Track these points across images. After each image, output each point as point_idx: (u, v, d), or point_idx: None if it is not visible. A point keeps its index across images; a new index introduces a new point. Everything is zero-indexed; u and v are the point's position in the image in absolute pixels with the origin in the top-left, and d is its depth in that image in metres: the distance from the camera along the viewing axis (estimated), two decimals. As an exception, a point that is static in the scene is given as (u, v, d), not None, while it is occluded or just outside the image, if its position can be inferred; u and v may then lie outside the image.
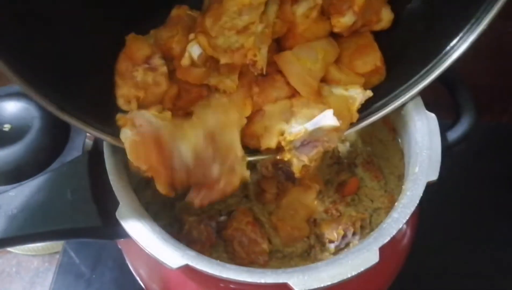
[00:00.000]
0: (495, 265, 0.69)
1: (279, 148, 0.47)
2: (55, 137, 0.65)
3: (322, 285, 0.39)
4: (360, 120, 0.49)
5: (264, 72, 0.46)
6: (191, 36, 0.45)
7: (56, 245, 0.74)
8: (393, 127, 0.56)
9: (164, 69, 0.46)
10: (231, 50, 0.44)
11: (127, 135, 0.43)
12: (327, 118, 0.44)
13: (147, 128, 0.43)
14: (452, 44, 0.45)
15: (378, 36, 0.49)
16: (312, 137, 0.45)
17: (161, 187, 0.44)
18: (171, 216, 0.56)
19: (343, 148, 0.62)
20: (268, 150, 0.48)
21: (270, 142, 0.46)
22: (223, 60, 0.44)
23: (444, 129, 0.49)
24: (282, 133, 0.46)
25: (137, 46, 0.45)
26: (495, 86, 0.81)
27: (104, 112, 0.45)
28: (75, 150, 0.67)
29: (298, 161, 0.46)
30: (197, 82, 0.46)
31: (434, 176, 0.44)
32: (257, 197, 0.58)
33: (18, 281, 0.74)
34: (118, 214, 0.43)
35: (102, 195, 0.45)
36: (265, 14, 0.44)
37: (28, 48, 0.40)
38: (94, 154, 0.47)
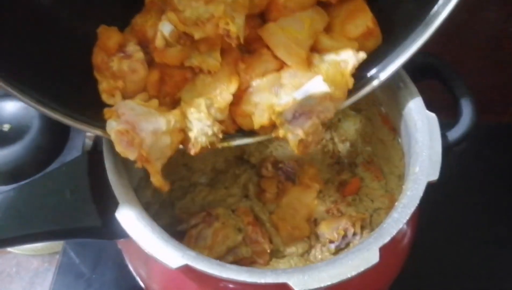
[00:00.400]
0: (495, 265, 0.69)
1: (274, 126, 0.45)
2: (55, 137, 0.65)
3: (322, 285, 0.39)
4: (358, 89, 0.47)
5: (242, 42, 0.44)
6: (163, 16, 0.44)
7: (56, 245, 0.74)
8: (393, 127, 0.56)
9: (140, 55, 0.45)
10: (202, 21, 0.42)
11: (112, 126, 0.42)
12: (317, 85, 0.42)
13: (130, 115, 0.42)
14: None
15: (371, 1, 0.47)
16: (305, 107, 0.43)
17: (154, 179, 0.43)
18: (171, 216, 0.56)
19: (343, 147, 0.62)
20: (264, 129, 0.46)
21: (262, 119, 0.45)
22: (197, 35, 0.43)
23: (444, 129, 0.49)
24: (272, 108, 0.44)
25: (108, 36, 0.45)
26: (495, 86, 0.81)
27: (95, 106, 0.44)
28: (75, 150, 0.67)
29: (293, 136, 0.44)
30: (175, 63, 0.45)
31: (434, 176, 0.44)
32: (257, 197, 0.58)
33: (18, 281, 0.74)
34: (118, 214, 0.43)
35: (102, 195, 0.45)
36: None
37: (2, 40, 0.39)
38: (94, 154, 0.47)
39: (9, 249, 0.75)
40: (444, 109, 0.50)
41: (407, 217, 0.42)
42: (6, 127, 0.64)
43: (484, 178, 0.77)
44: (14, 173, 0.62)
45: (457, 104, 0.51)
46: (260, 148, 0.61)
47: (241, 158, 0.62)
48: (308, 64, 0.45)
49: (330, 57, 0.45)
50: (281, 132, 0.44)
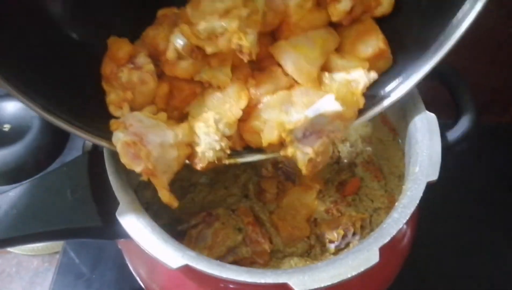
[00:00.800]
0: (495, 266, 0.69)
1: (283, 144, 0.45)
2: (55, 137, 0.65)
3: (322, 285, 0.39)
4: (369, 108, 0.47)
5: (254, 58, 0.43)
6: (176, 29, 0.44)
7: (56, 245, 0.74)
8: (393, 127, 0.56)
9: (150, 66, 0.45)
10: (215, 35, 0.42)
11: (118, 137, 0.42)
12: (328, 103, 0.42)
13: (138, 127, 0.42)
14: (461, 12, 0.42)
15: (382, 23, 0.47)
16: (315, 126, 0.43)
17: (161, 193, 0.43)
18: (171, 216, 0.56)
19: (343, 148, 0.62)
20: (271, 147, 0.46)
21: (271, 136, 0.44)
22: (209, 49, 0.43)
23: (444, 129, 0.49)
24: (282, 125, 0.44)
25: (118, 46, 0.45)
26: (495, 86, 0.82)
27: (101, 117, 0.44)
28: (75, 150, 0.67)
29: (303, 155, 0.43)
30: (186, 76, 0.45)
31: (434, 176, 0.44)
32: (258, 197, 0.58)
33: (18, 281, 0.74)
34: (118, 214, 0.43)
35: (102, 195, 0.45)
36: (253, 0, 0.43)
37: (13, 48, 0.40)
38: (94, 154, 0.47)
39: (9, 249, 0.75)
40: (444, 109, 0.50)
41: (407, 217, 0.42)
42: (6, 127, 0.64)
43: (484, 178, 0.77)
44: (14, 173, 0.62)
45: (457, 104, 0.51)
46: (260, 148, 0.61)
47: (241, 158, 0.62)
48: (319, 82, 0.45)
49: (341, 76, 0.45)
50: (290, 151, 0.44)
